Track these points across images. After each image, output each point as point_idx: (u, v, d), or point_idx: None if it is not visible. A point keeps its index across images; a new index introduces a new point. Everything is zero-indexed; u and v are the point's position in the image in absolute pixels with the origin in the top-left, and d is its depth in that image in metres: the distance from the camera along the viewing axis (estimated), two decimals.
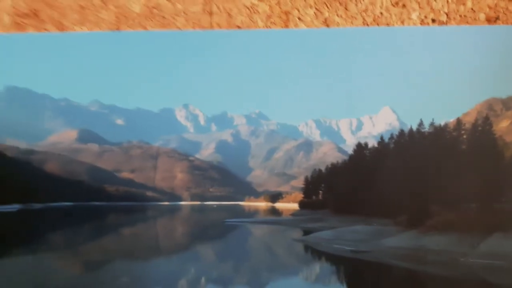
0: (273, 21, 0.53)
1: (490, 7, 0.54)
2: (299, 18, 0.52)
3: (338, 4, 0.52)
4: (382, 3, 0.53)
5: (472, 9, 0.54)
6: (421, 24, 0.53)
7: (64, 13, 0.55)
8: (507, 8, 0.53)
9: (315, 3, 0.52)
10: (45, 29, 0.57)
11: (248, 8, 0.53)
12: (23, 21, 0.56)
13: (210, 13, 0.52)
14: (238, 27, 0.53)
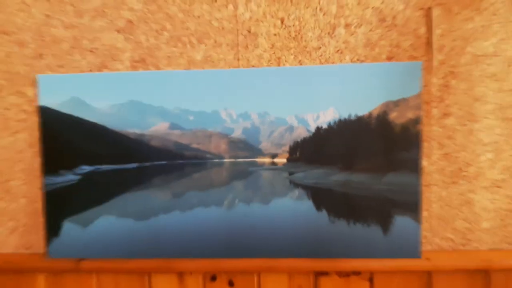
0: (271, 62, 0.61)
1: (388, 51, 0.62)
2: (285, 61, 0.60)
3: (305, 53, 0.60)
4: (329, 51, 0.61)
5: (378, 53, 0.62)
6: (351, 61, 0.61)
7: (160, 60, 0.63)
8: (397, 52, 0.61)
9: (294, 52, 0.60)
10: (149, 69, 0.65)
11: (258, 56, 0.61)
12: (136, 64, 0.65)
13: (238, 59, 0.60)
14: (253, 66, 0.61)
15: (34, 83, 0.72)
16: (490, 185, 0.69)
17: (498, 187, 0.69)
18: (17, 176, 0.74)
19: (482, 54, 0.67)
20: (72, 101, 0.71)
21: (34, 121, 0.73)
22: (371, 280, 0.70)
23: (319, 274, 0.70)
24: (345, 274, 0.70)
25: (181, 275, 0.72)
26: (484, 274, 0.69)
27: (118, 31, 0.71)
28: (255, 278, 0.71)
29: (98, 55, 0.72)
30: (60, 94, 0.71)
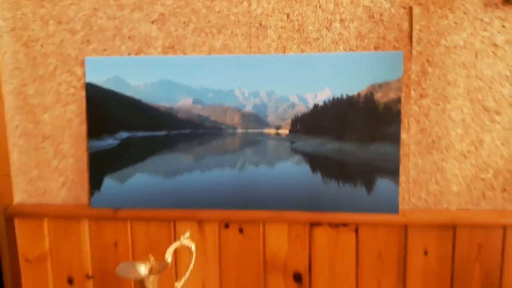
0: (278, 50, 0.73)
1: (375, 43, 0.74)
2: (290, 49, 0.72)
3: (306, 43, 0.72)
4: (326, 42, 0.73)
5: (367, 43, 0.74)
6: (344, 50, 0.73)
7: (186, 47, 0.76)
8: (382, 43, 0.72)
9: (297, 42, 0.73)
10: (177, 54, 0.78)
11: (267, 45, 0.73)
12: (167, 50, 0.78)
13: (250, 47, 0.73)
14: (263, 53, 0.72)
15: (82, 64, 0.88)
16: (458, 155, 0.83)
17: (465, 157, 0.83)
18: (66, 140, 0.90)
19: (453, 46, 0.80)
20: (113, 79, 0.86)
21: (81, 95, 0.89)
22: (356, 231, 0.85)
23: (314, 224, 0.85)
24: (335, 225, 0.85)
25: (200, 222, 0.87)
26: (451, 229, 0.83)
27: (152, 22, 0.86)
28: (261, 227, 0.86)
29: (135, 42, 0.87)
30: (104, 73, 0.87)
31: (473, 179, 0.83)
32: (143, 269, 0.71)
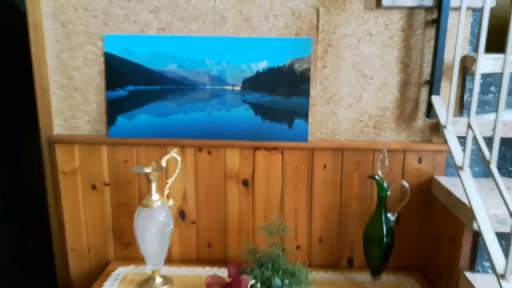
0: (233, 34, 1.15)
1: (296, 31, 1.18)
2: (241, 33, 1.14)
3: (252, 30, 1.14)
4: (265, 30, 1.15)
5: (291, 32, 1.16)
6: (276, 36, 1.15)
7: (173, 29, 1.17)
8: (300, 31, 1.13)
9: (246, 29, 1.15)
10: (166, 34, 1.20)
11: (227, 30, 1.14)
12: (160, 31, 1.20)
13: (215, 31, 1.14)
14: (224, 35, 1.12)
15: (102, 39, 1.30)
16: (346, 105, 1.32)
17: (351, 106, 1.32)
18: (91, 91, 1.33)
19: (344, 34, 1.27)
20: (123, 50, 1.29)
21: (102, 60, 1.31)
22: (282, 153, 1.34)
23: (256, 148, 1.34)
24: (269, 149, 1.33)
25: (182, 147, 1.34)
26: (341, 151, 1.33)
27: (150, 12, 1.28)
28: (222, 150, 1.34)
29: (138, 25, 1.29)
30: (117, 46, 1.29)
31: (355, 121, 1.33)
32: (148, 168, 1.18)
